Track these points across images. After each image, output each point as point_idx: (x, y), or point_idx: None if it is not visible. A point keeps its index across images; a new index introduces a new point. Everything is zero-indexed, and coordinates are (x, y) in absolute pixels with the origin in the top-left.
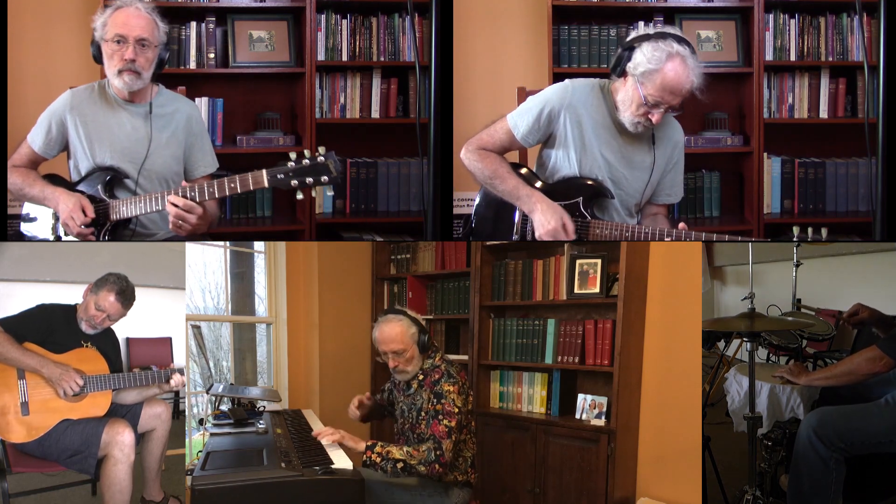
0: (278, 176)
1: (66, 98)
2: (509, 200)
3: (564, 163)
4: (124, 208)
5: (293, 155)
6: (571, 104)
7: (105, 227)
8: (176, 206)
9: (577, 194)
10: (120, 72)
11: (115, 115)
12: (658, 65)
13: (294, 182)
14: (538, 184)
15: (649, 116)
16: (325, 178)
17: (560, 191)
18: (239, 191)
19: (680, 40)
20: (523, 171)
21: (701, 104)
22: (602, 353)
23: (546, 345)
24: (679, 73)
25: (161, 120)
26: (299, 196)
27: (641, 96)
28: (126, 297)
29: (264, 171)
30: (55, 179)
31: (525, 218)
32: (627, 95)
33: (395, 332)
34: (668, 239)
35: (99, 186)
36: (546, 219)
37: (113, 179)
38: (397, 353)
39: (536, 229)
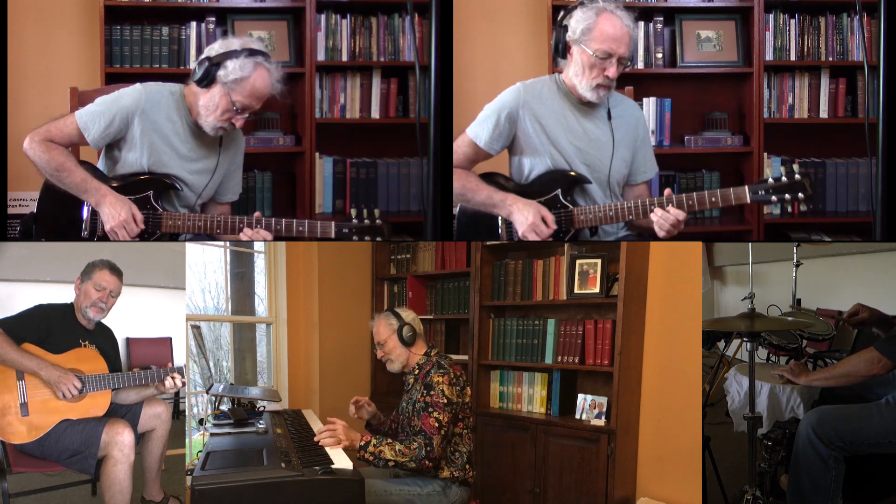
0: (343, 230)
1: (139, 96)
2: (486, 210)
3: (536, 161)
4: (180, 223)
5: (354, 212)
6: (527, 102)
7: (154, 237)
8: (262, 239)
9: (555, 187)
10: (220, 128)
11: (182, 129)
12: (590, 20)
13: (355, 237)
14: (512, 187)
15: (606, 74)
16: (378, 239)
17: (535, 189)
18: (306, 235)
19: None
20: (498, 179)
21: (701, 104)
22: (602, 353)
23: (546, 345)
24: (613, 21)
25: (224, 148)
26: (355, 238)
27: (590, 55)
28: (117, 271)
29: (332, 224)
30: (95, 173)
31: (508, 224)
32: (578, 64)
33: (379, 326)
34: (652, 208)
35: (151, 192)
36: (524, 216)
37: (167, 190)
38: (379, 343)
39: (518, 229)
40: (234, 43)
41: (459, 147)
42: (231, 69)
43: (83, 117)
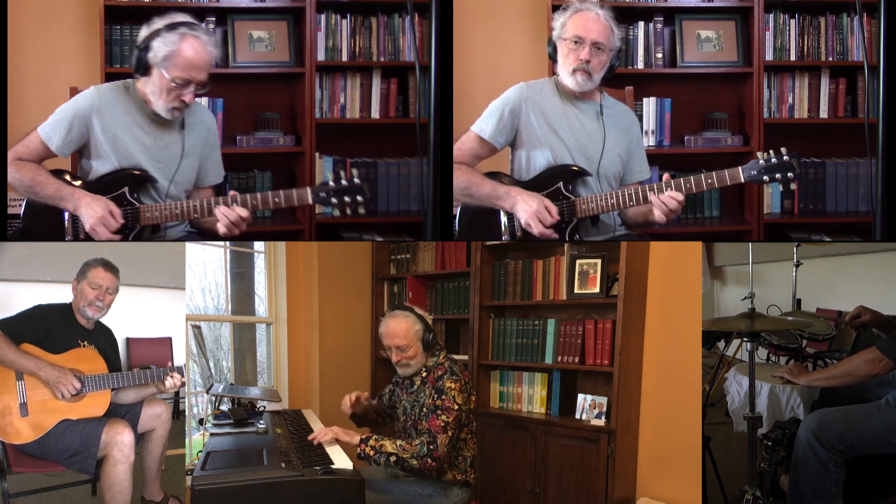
0: (321, 194)
1: (93, 97)
2: (489, 204)
3: (538, 153)
4: (157, 213)
5: (330, 175)
6: (530, 97)
7: (134, 231)
8: (237, 217)
9: (556, 180)
10: (173, 108)
11: (145, 121)
12: (567, 16)
13: (334, 200)
14: (515, 183)
15: (579, 57)
16: (359, 199)
17: (538, 183)
18: (283, 205)
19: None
20: (501, 178)
21: (701, 104)
22: (602, 353)
23: (546, 345)
24: (584, 14)
25: (188, 130)
26: (336, 213)
27: (566, 43)
28: (112, 267)
29: (308, 189)
30: (69, 180)
31: (510, 218)
32: (561, 56)
33: (401, 327)
34: (651, 194)
35: (126, 188)
36: (527, 204)
37: (142, 183)
38: (400, 348)
39: (520, 217)
40: (156, 23)
41: (464, 143)
42: (157, 48)
43: (45, 129)
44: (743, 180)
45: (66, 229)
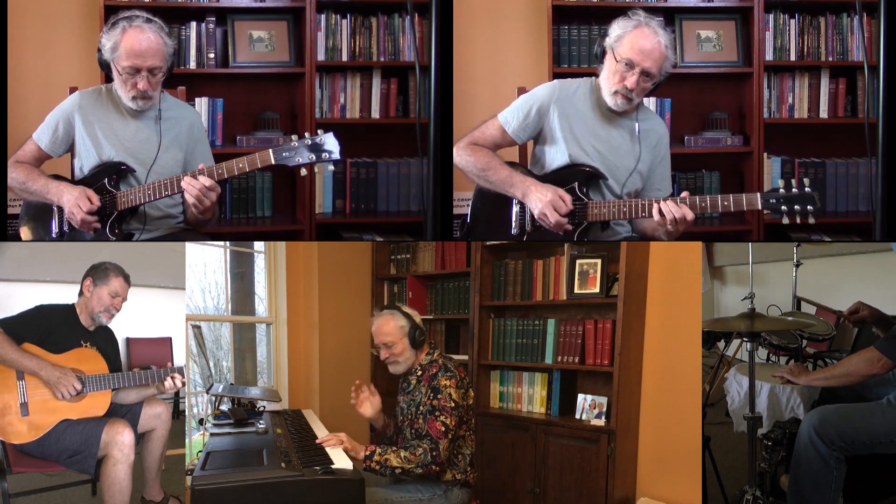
0: (284, 154)
1: (75, 99)
2: (503, 190)
3: (557, 155)
4: (132, 196)
5: (295, 136)
6: (560, 99)
7: (112, 217)
8: (201, 185)
9: (572, 179)
10: (133, 98)
11: (122, 118)
12: (627, 29)
13: (299, 159)
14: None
15: (624, 83)
16: (325, 155)
17: (553, 180)
18: (247, 170)
19: (650, 13)
20: (518, 169)
21: (701, 104)
22: (602, 353)
23: (546, 345)
24: (647, 35)
25: (166, 123)
26: (303, 172)
27: (616, 61)
28: (127, 276)
29: (270, 150)
30: (59, 178)
31: (522, 209)
32: (606, 68)
33: (388, 325)
34: (663, 204)
35: (105, 179)
36: (542, 193)
37: (120, 174)
38: (387, 344)
39: (533, 208)
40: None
41: (488, 128)
42: (104, 44)
43: (37, 132)
44: (760, 207)
45: (52, 225)
